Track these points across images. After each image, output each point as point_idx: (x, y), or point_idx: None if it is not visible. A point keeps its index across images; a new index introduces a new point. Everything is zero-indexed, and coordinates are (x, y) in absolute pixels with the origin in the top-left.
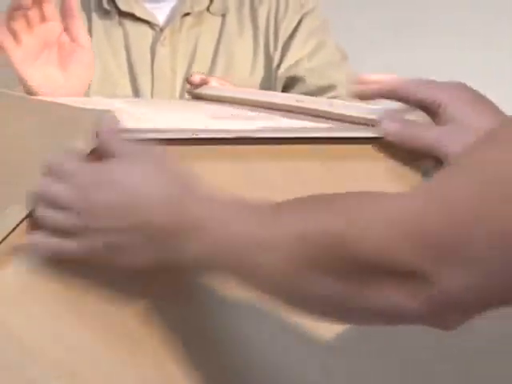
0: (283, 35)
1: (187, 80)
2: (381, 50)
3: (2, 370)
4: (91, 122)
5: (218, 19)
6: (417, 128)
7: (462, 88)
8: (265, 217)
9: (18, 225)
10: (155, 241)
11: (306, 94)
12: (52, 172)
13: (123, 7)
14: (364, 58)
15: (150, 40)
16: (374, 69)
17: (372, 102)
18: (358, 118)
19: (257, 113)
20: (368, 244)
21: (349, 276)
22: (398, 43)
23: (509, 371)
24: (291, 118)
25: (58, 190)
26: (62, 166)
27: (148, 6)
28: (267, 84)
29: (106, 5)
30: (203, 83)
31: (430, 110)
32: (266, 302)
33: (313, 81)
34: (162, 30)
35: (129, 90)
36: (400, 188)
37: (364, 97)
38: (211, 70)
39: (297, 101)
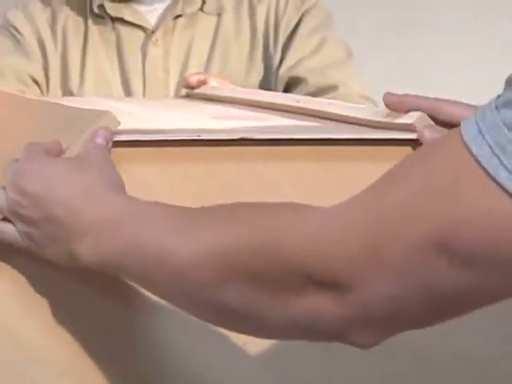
0: (283, 35)
1: (185, 82)
2: (382, 49)
3: (1, 370)
4: (91, 122)
5: (214, 19)
6: None
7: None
8: (175, 225)
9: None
10: (59, 236)
11: (307, 94)
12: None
13: (112, 12)
14: (365, 57)
15: (141, 42)
16: (375, 69)
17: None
18: (357, 118)
19: (257, 113)
20: (290, 251)
21: (273, 284)
22: (399, 43)
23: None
24: (291, 118)
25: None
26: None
27: (140, 8)
28: (265, 85)
29: (96, 10)
30: (201, 84)
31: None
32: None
33: (314, 81)
34: (153, 31)
35: (122, 91)
36: None
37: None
38: (206, 71)
39: (297, 101)
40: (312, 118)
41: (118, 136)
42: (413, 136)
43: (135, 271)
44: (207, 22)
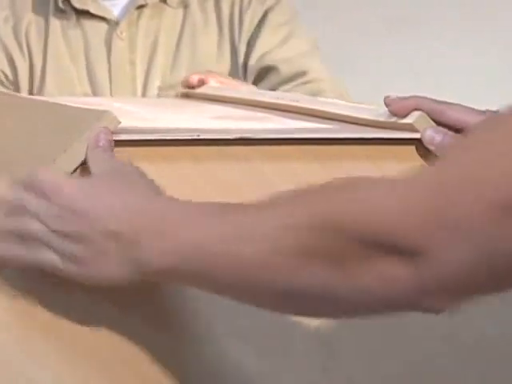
0: (248, 28)
1: (185, 82)
2: (375, 47)
3: (1, 370)
4: (91, 122)
5: (180, 11)
6: None
7: (490, 113)
8: (238, 214)
9: None
10: (119, 250)
11: (279, 82)
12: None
13: (78, 5)
14: (366, 57)
15: (106, 35)
16: (375, 68)
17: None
18: (357, 118)
19: (257, 113)
20: (367, 220)
21: (341, 258)
22: (393, 41)
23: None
24: (291, 118)
25: (26, 197)
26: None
27: (103, 2)
28: (233, 71)
29: (61, 4)
30: (201, 84)
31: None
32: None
33: (285, 69)
34: (117, 23)
35: (87, 87)
36: None
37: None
38: (174, 63)
39: (297, 101)
40: (312, 118)
41: (118, 136)
42: (413, 136)
43: (207, 264)
44: (173, 15)
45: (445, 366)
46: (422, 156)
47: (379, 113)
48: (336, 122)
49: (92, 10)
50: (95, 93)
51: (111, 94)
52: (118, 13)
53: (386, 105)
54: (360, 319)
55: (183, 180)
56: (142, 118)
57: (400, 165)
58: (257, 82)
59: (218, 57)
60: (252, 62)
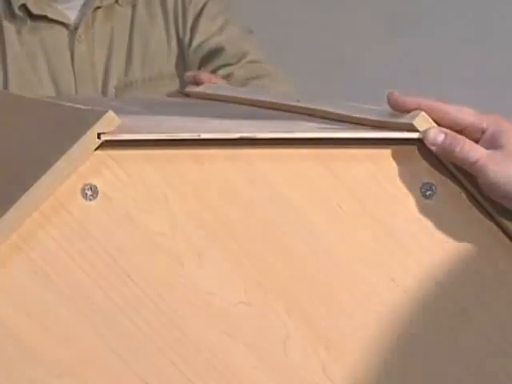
0: (191, 18)
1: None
2: (381, 49)
3: (1, 370)
4: (91, 122)
5: (129, 10)
6: (462, 145)
7: (502, 117)
8: None
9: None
10: None
11: (224, 65)
12: None
13: (35, 11)
14: (359, 55)
15: (66, 40)
16: (374, 68)
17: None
18: (358, 118)
19: (257, 113)
20: None
21: None
22: (393, 40)
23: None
24: (292, 118)
25: None
26: None
27: (59, 6)
28: (182, 69)
29: (17, 11)
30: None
31: (471, 136)
32: None
33: (231, 49)
34: (76, 28)
35: (51, 91)
36: (401, 191)
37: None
38: (128, 61)
39: (297, 101)
40: (312, 118)
41: (118, 136)
42: (413, 136)
43: None
44: (123, 14)
45: (445, 366)
46: (422, 156)
47: (379, 113)
48: (336, 122)
49: (50, 15)
50: (60, 95)
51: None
52: (74, 17)
53: (388, 100)
54: (360, 318)
55: (183, 180)
56: (142, 117)
57: (400, 165)
58: (203, 68)
59: (168, 55)
60: (192, 48)
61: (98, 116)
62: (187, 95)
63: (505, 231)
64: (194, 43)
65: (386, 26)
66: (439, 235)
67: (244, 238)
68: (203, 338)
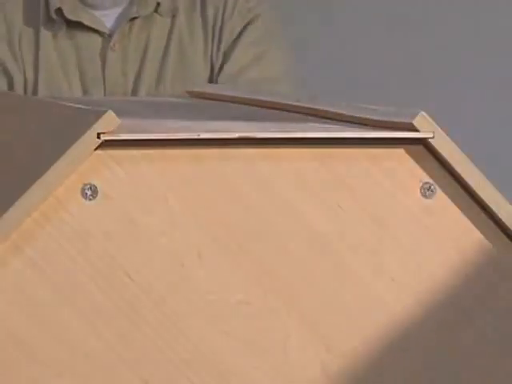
0: (226, 40)
1: None
2: (376, 47)
3: (1, 370)
4: (91, 122)
5: (168, 20)
6: None
7: None
8: None
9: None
10: None
11: None
12: None
13: (70, 16)
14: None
15: (99, 47)
16: (371, 66)
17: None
18: (358, 118)
19: (257, 113)
20: None
21: None
22: (393, 40)
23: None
24: (292, 117)
25: None
26: None
27: (96, 13)
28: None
29: (53, 14)
30: None
31: None
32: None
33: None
34: (110, 35)
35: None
36: (401, 191)
37: None
38: (160, 74)
39: (297, 101)
40: (312, 118)
41: (118, 136)
42: (413, 136)
43: None
44: (161, 24)
45: (445, 366)
46: (422, 156)
47: (379, 112)
48: (336, 122)
49: (85, 22)
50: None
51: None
52: (110, 24)
53: None
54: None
55: (183, 180)
56: (142, 117)
57: (400, 165)
58: None
59: (204, 65)
60: (222, 77)
61: (98, 116)
62: (187, 95)
63: (505, 231)
64: (226, 70)
65: (386, 26)
66: (439, 235)
67: (244, 238)
68: (203, 337)
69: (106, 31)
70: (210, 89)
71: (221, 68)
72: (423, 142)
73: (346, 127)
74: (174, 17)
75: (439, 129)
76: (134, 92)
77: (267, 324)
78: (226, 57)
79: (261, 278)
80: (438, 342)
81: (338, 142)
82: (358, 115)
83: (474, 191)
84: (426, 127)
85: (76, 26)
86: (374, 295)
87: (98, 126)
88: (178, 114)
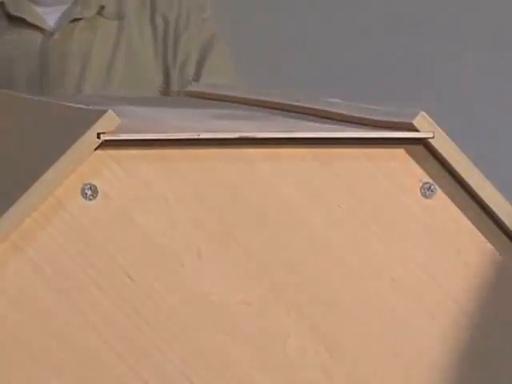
0: (183, 53)
1: None
2: (376, 47)
3: (1, 370)
4: (91, 121)
5: (115, 23)
6: None
7: None
8: None
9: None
10: None
11: None
12: None
13: (14, 12)
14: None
15: (39, 45)
16: (371, 66)
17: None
18: (358, 118)
19: (257, 113)
20: None
21: None
22: (394, 40)
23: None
24: (291, 117)
25: None
26: None
27: (38, 9)
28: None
29: None
30: None
31: None
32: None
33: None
34: (52, 34)
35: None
36: (401, 191)
37: None
38: (108, 76)
39: (297, 101)
40: (312, 118)
41: (118, 136)
42: (413, 136)
43: None
44: (107, 27)
45: (445, 365)
46: (422, 156)
47: (379, 112)
48: (336, 122)
49: (28, 19)
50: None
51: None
52: (52, 23)
53: None
54: (360, 318)
55: (183, 180)
56: (142, 117)
57: (400, 165)
58: None
59: (156, 70)
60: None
61: (98, 116)
62: (188, 95)
63: (505, 231)
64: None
65: (386, 26)
66: (439, 235)
67: (244, 238)
68: (203, 337)
69: (48, 29)
70: (210, 89)
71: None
72: (423, 142)
73: (346, 127)
74: (120, 19)
75: (439, 129)
76: (77, 91)
77: (267, 324)
78: (196, 78)
79: (261, 278)
80: (439, 341)
81: (338, 142)
82: (357, 115)
83: (474, 191)
84: (425, 127)
85: (18, 21)
86: (374, 295)
87: (98, 126)
88: (178, 114)
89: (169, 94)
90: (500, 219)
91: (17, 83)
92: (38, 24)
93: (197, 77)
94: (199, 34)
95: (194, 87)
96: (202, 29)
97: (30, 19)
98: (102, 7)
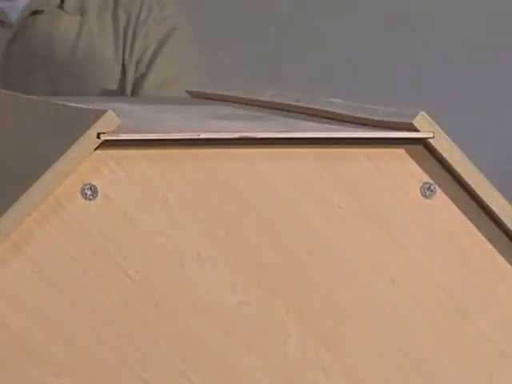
0: (140, 44)
1: None
2: (376, 46)
3: (1, 370)
4: (91, 121)
5: (76, 18)
6: None
7: None
8: None
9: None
10: None
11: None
12: None
13: None
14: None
15: (0, 38)
16: (371, 66)
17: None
18: (358, 118)
19: (257, 112)
20: None
21: None
22: (394, 40)
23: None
24: (291, 117)
25: None
26: None
27: (2, 4)
28: (122, 87)
29: None
30: None
31: None
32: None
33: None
34: (12, 27)
35: None
36: (401, 191)
37: None
38: (70, 70)
39: (297, 101)
40: (312, 118)
41: (118, 136)
42: (413, 136)
43: None
44: (69, 21)
45: (445, 366)
46: (422, 156)
47: (379, 112)
48: (336, 122)
49: None
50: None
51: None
52: (14, 16)
53: None
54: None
55: (183, 180)
56: (141, 117)
57: (400, 165)
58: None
59: (116, 66)
60: (146, 86)
61: (98, 116)
62: (187, 95)
63: (505, 231)
64: (148, 81)
65: (386, 26)
66: (439, 235)
67: (244, 238)
68: (203, 337)
69: (9, 22)
70: (210, 89)
71: (144, 75)
72: (423, 142)
73: (346, 127)
74: (82, 15)
75: (439, 129)
76: (35, 87)
77: (267, 324)
78: (150, 65)
79: (261, 277)
80: (438, 341)
81: (338, 142)
82: (357, 115)
83: (474, 191)
84: (426, 127)
85: None
86: (374, 295)
87: (98, 126)
88: (178, 114)
89: (125, 89)
90: (500, 219)
91: None
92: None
93: (148, 68)
94: (158, 29)
95: (194, 87)
96: (161, 24)
97: None
98: (62, 1)
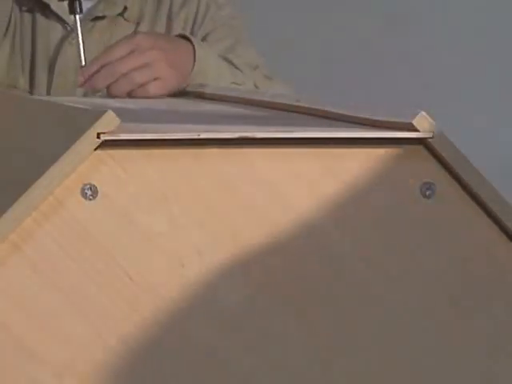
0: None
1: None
2: (376, 46)
3: (1, 370)
4: (91, 121)
5: (132, 26)
6: None
7: None
8: None
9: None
10: None
11: None
12: None
13: None
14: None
15: (58, 36)
16: (371, 66)
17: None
18: (358, 117)
19: (257, 113)
20: None
21: None
22: (394, 40)
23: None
24: (292, 117)
25: None
26: None
27: (65, 3)
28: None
29: None
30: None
31: None
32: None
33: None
34: (72, 29)
35: (25, 82)
36: (401, 191)
37: None
38: None
39: (297, 101)
40: (312, 118)
41: (118, 136)
42: (413, 135)
43: None
44: (126, 29)
45: (445, 366)
46: (422, 156)
47: (379, 112)
48: (336, 122)
49: (53, 7)
50: (31, 90)
51: (48, 94)
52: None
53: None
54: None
55: (183, 180)
56: (142, 117)
57: (400, 165)
58: None
59: None
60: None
61: (98, 116)
62: (187, 95)
63: (505, 230)
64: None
65: (386, 26)
66: (439, 235)
67: (244, 238)
68: (203, 337)
69: (70, 22)
70: (210, 89)
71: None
72: (423, 142)
73: (346, 127)
74: (138, 24)
75: (439, 129)
76: (87, 93)
77: (267, 324)
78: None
79: (261, 278)
80: (439, 341)
81: (338, 142)
82: (358, 115)
83: (474, 191)
84: (425, 127)
85: (41, 7)
86: (373, 295)
87: (98, 126)
88: (178, 113)
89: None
90: (500, 219)
91: (28, 72)
92: (61, 15)
93: None
94: (216, 29)
95: (194, 87)
96: (218, 24)
97: (55, 8)
98: (126, 8)
